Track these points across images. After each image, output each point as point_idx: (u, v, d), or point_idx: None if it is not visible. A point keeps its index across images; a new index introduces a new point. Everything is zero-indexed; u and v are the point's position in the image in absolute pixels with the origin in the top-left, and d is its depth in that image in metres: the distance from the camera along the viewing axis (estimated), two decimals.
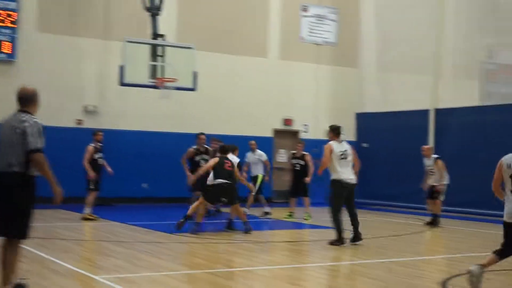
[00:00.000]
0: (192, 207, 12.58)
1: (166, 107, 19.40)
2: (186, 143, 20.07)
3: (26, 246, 9.58)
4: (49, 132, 17.05)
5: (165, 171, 19.79)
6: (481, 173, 16.69)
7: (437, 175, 15.10)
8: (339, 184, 11.05)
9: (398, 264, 9.42)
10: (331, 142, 11.30)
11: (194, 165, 14.88)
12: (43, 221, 13.01)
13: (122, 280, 7.83)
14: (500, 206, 17.32)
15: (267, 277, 8.54)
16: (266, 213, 16.49)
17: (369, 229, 14.32)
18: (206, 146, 15.49)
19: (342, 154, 11.14)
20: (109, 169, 14.97)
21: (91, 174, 14.43)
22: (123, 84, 16.47)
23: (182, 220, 12.34)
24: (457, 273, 8.73)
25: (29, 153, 6.32)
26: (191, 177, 14.05)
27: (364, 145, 21.70)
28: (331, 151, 11.10)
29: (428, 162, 15.34)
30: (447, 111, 19.34)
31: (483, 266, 7.27)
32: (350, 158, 11.30)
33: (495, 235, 13.93)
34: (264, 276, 8.61)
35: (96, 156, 14.65)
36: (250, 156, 16.99)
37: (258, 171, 16.74)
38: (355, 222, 11.23)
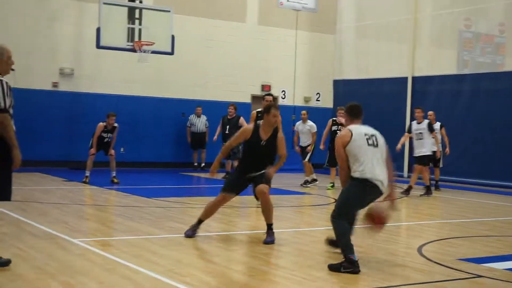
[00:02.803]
0: None
1: (143, 71, 19.22)
2: (162, 107, 20.07)
3: (3, 209, 9.59)
4: (23, 94, 17.08)
5: (142, 136, 19.73)
6: (456, 140, 16.92)
7: (435, 141, 14.90)
8: None
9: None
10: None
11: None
12: (19, 184, 12.93)
13: (99, 243, 7.81)
14: (466, 173, 17.55)
15: (244, 242, 8.57)
16: None
17: None
18: None
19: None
20: (112, 151, 15.13)
21: (92, 150, 14.86)
22: (100, 47, 16.28)
23: None
24: (433, 239, 8.85)
25: None
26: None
27: None
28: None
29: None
30: (424, 79, 19.45)
31: None
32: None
33: (464, 202, 14.14)
34: (241, 241, 8.64)
35: (104, 134, 15.02)
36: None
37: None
38: None
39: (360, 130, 7.03)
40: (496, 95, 17.53)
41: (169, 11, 16.92)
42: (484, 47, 19.84)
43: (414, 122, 15.08)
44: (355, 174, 6.88)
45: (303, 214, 11.06)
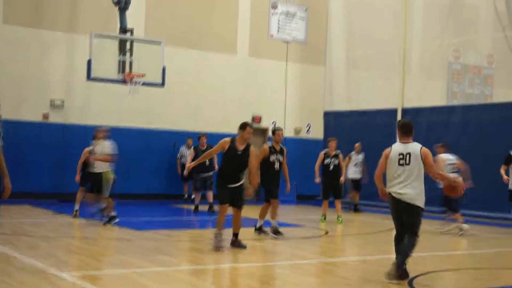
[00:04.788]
0: None
1: (133, 102, 19.22)
2: (153, 139, 20.06)
3: None
4: (13, 125, 17.04)
5: (133, 167, 19.65)
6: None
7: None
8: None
9: (365, 263, 9.47)
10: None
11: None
12: (8, 217, 12.81)
13: (88, 277, 7.73)
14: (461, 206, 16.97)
15: (234, 275, 8.51)
16: None
17: (344, 227, 14.42)
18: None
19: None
20: None
21: (77, 177, 14.39)
22: (90, 78, 16.31)
23: None
24: (424, 271, 8.81)
25: None
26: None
27: None
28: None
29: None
30: (414, 111, 19.53)
31: None
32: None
33: (454, 233, 14.12)
34: (231, 274, 8.58)
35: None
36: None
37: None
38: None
39: (397, 150, 7.95)
40: (486, 127, 17.62)
41: (160, 43, 16.99)
42: (473, 79, 20.04)
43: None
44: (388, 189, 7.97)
45: (294, 247, 11.01)
